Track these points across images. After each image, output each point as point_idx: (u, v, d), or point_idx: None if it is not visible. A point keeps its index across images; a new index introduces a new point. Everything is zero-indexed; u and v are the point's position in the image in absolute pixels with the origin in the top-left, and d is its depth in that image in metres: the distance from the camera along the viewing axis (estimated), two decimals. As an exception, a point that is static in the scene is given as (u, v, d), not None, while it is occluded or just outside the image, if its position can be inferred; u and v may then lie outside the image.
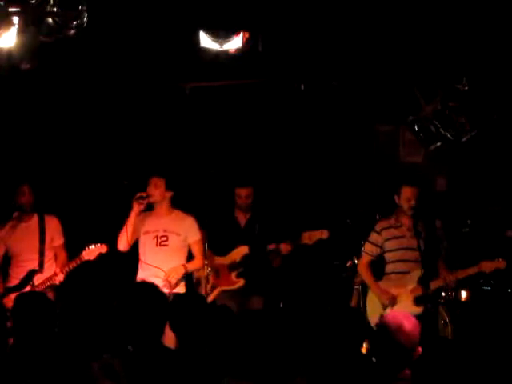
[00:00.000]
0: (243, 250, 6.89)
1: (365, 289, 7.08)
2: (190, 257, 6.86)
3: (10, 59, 6.05)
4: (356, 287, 7.47)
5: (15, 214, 6.92)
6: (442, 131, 7.14)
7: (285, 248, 6.78)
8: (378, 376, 3.77)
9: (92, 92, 7.75)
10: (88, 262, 6.83)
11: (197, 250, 6.77)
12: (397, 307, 6.51)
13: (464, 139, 7.15)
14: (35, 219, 6.96)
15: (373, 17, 6.44)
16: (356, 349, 3.95)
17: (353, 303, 7.45)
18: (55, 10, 5.68)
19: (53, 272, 6.84)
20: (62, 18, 5.68)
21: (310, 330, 4.04)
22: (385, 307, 6.57)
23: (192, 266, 6.78)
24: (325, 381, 3.81)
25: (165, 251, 6.71)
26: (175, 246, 6.73)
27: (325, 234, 6.73)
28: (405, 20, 6.46)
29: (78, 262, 6.80)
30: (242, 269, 6.88)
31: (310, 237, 6.73)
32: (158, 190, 6.72)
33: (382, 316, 6.34)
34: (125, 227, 6.71)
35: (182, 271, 6.65)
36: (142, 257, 6.77)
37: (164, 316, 3.96)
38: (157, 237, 6.74)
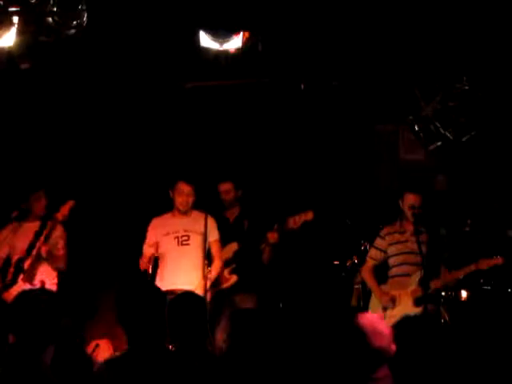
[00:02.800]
0: (233, 246, 6.85)
1: (365, 288, 7.07)
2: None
3: (10, 59, 6.07)
4: (356, 287, 7.47)
5: (15, 214, 6.90)
6: (442, 131, 7.15)
7: (271, 236, 6.70)
8: (354, 376, 3.83)
9: (92, 92, 7.74)
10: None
11: (215, 250, 6.78)
12: (397, 308, 6.53)
13: (464, 139, 7.15)
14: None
15: (373, 17, 6.45)
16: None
17: (353, 303, 7.45)
18: (55, 9, 5.70)
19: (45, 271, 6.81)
20: (62, 18, 5.69)
21: (309, 331, 4.06)
22: (385, 308, 6.57)
23: (214, 273, 6.72)
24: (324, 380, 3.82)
25: (187, 250, 6.71)
26: (197, 245, 6.69)
27: (309, 215, 6.60)
28: (405, 20, 6.47)
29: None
30: (234, 265, 6.85)
31: (295, 220, 6.64)
32: (190, 198, 6.77)
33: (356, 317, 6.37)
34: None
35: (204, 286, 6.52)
36: (161, 260, 6.74)
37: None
38: (177, 237, 6.76)
